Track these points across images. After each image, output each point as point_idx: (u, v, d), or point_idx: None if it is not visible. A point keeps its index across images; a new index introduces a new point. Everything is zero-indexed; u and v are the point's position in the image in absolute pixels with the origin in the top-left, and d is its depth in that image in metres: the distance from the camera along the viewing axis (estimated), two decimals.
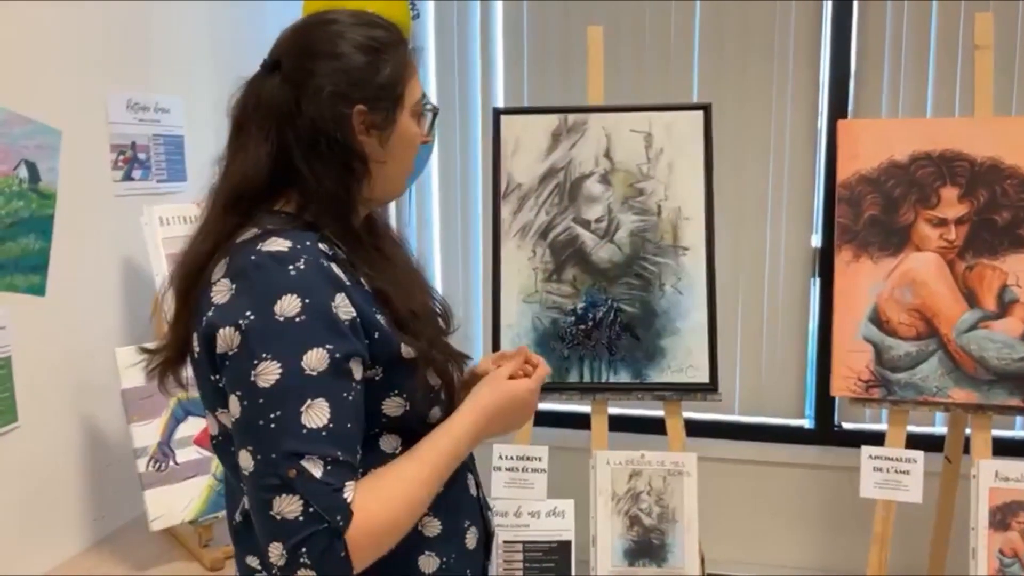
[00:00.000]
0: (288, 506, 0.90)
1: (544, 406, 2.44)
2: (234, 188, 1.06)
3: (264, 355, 0.93)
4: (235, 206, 1.06)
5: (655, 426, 2.20)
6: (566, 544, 2.04)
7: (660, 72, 2.63)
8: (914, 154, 2.03)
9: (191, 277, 1.05)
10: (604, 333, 2.08)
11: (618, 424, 2.28)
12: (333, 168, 1.05)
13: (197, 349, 1.03)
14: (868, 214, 2.05)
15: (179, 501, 1.83)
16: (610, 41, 2.25)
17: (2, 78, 1.67)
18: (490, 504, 1.28)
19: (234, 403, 0.96)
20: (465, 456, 1.11)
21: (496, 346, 2.10)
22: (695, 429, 2.54)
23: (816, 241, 2.61)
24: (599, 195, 2.10)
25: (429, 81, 2.80)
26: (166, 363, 1.11)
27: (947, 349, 2.00)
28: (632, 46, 2.63)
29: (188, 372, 1.10)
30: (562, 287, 2.10)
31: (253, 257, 0.98)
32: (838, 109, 2.50)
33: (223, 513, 1.34)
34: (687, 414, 2.12)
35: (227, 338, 0.96)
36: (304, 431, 0.92)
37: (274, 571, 0.92)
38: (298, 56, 1.07)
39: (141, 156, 2.07)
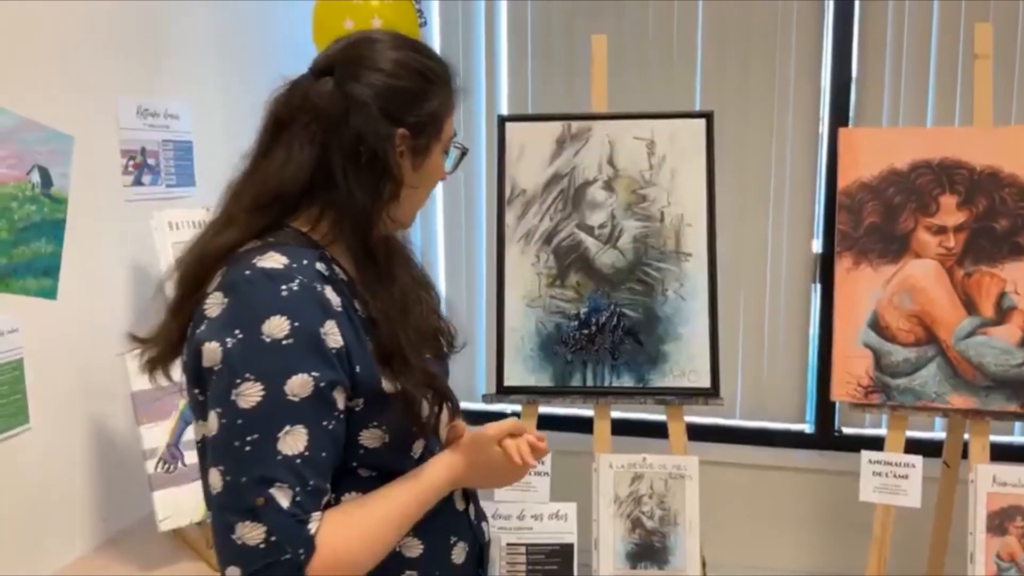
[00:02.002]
0: (250, 532, 0.89)
1: (547, 410, 2.47)
2: (270, 187, 1.04)
3: (247, 375, 0.92)
4: (269, 206, 1.04)
5: (657, 430, 2.22)
6: (568, 547, 2.06)
7: (663, 79, 2.65)
8: (914, 162, 2.05)
9: (205, 270, 1.02)
10: (607, 338, 2.10)
11: (620, 428, 2.30)
12: (367, 182, 1.04)
13: (185, 357, 1.02)
14: (868, 221, 2.07)
15: (187, 502, 1.85)
16: (613, 48, 2.28)
17: (15, 85, 1.70)
18: (486, 514, 1.26)
19: (213, 420, 0.94)
20: (434, 503, 1.09)
21: (500, 350, 2.12)
22: (697, 433, 2.56)
23: (817, 247, 2.63)
24: (602, 201, 2.12)
25: None
26: (158, 357, 1.07)
27: (946, 355, 2.02)
28: (635, 53, 2.65)
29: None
30: (566, 292, 2.12)
31: (247, 272, 0.97)
32: (839, 117, 2.53)
33: None
34: (689, 418, 2.13)
35: (213, 353, 0.95)
36: (279, 457, 0.91)
37: None
38: (354, 67, 1.06)
39: (151, 162, 2.10)
